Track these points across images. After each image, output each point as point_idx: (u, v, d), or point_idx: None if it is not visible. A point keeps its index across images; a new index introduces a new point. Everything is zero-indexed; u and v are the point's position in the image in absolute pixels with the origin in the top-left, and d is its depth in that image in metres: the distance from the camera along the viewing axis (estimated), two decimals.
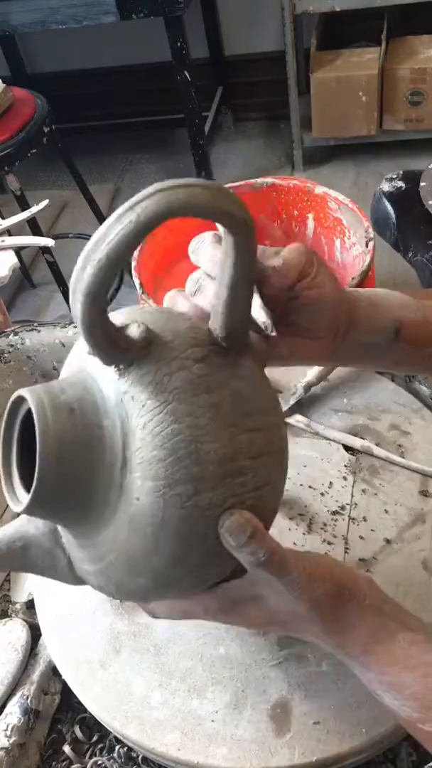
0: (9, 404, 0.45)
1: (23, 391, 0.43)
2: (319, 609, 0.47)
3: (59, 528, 0.50)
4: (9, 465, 0.46)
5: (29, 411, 0.43)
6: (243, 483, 0.43)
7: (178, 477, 0.41)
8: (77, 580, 0.51)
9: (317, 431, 0.77)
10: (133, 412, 0.42)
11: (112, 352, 0.42)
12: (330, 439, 0.76)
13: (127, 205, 0.38)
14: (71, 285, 0.39)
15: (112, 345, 0.41)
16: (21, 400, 0.44)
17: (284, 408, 0.78)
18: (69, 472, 0.42)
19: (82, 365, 0.46)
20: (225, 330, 0.44)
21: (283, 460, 0.48)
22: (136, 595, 0.49)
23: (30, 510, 0.43)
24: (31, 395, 0.42)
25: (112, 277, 0.39)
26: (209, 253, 0.49)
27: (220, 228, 0.41)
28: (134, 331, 0.42)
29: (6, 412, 0.45)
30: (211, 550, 0.44)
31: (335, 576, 0.48)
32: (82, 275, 0.39)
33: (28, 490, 0.43)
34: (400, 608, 0.50)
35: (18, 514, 0.46)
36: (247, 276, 0.43)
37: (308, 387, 0.81)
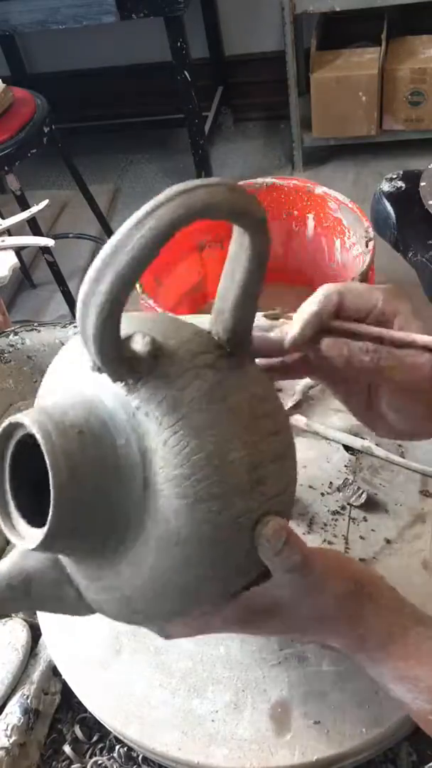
0: None
1: (20, 417, 0.40)
2: (341, 605, 0.47)
3: (61, 558, 0.47)
4: (4, 500, 0.42)
5: (20, 441, 0.40)
6: (269, 488, 0.42)
7: (208, 493, 0.39)
8: (88, 610, 0.48)
9: (317, 431, 0.77)
10: (150, 428, 0.40)
11: (123, 366, 0.40)
12: (330, 439, 0.76)
13: (145, 209, 0.35)
14: (81, 297, 0.37)
15: (121, 361, 0.39)
16: (13, 428, 0.40)
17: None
18: (86, 498, 0.40)
19: (80, 381, 0.43)
20: (230, 332, 0.43)
21: (295, 461, 0.47)
22: (160, 618, 0.47)
23: (46, 544, 0.39)
24: (31, 421, 0.39)
25: (131, 289, 0.36)
26: None
27: (234, 227, 0.40)
28: (141, 345, 0.40)
29: None
30: (243, 559, 0.43)
31: (353, 571, 0.49)
32: (96, 288, 0.36)
33: (32, 524, 0.40)
34: (412, 605, 0.50)
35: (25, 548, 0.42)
36: (259, 276, 0.41)
37: (307, 388, 0.81)
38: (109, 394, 0.41)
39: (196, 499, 0.39)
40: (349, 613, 0.48)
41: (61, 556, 0.47)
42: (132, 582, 0.42)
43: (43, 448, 0.38)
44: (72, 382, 0.44)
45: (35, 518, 0.40)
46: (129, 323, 0.41)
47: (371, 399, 0.50)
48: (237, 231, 0.40)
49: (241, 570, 0.44)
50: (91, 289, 0.36)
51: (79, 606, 0.48)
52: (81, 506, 0.39)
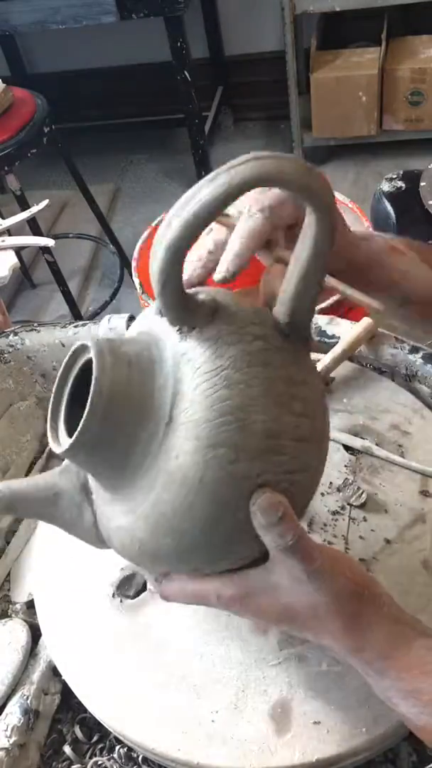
0: (69, 353, 0.46)
1: (86, 340, 0.44)
2: (340, 604, 0.46)
3: (90, 483, 0.51)
4: (57, 410, 0.47)
5: (88, 362, 0.44)
6: (281, 462, 0.43)
7: (221, 440, 0.41)
8: (100, 541, 0.51)
9: None
10: (187, 373, 0.43)
11: (181, 311, 0.43)
12: (330, 439, 0.76)
13: (221, 168, 0.38)
14: (156, 240, 0.39)
15: (181, 305, 0.42)
16: (82, 349, 0.45)
17: None
18: (115, 421, 0.43)
19: (147, 324, 0.47)
20: (290, 316, 0.45)
21: (322, 451, 0.48)
22: (156, 557, 0.48)
23: (71, 452, 0.43)
24: (94, 344, 0.43)
25: (197, 235, 0.39)
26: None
27: (307, 208, 0.41)
28: (203, 298, 0.43)
29: (64, 362, 0.46)
30: (240, 523, 0.43)
31: (356, 574, 0.48)
32: (167, 230, 0.39)
33: (71, 435, 0.44)
34: (415, 618, 0.49)
35: (54, 461, 0.47)
36: (320, 263, 0.43)
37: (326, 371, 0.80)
38: (166, 339, 0.45)
39: (208, 443, 0.41)
40: (349, 614, 0.47)
41: (90, 481, 0.51)
42: (138, 510, 0.45)
43: (94, 366, 0.42)
44: (144, 321, 0.49)
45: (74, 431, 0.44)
46: (201, 290, 0.46)
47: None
48: (308, 213, 0.42)
49: (235, 538, 0.45)
50: (163, 231, 0.39)
51: (94, 534, 0.51)
52: (109, 425, 0.43)
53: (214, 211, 0.38)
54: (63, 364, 0.47)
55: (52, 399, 0.47)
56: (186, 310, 0.43)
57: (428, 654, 0.46)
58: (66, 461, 0.52)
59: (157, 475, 0.43)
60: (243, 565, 0.48)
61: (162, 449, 0.43)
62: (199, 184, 0.38)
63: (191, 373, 0.43)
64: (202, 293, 0.44)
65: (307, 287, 0.44)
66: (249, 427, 0.42)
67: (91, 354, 0.43)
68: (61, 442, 0.45)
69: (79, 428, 0.42)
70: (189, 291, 0.43)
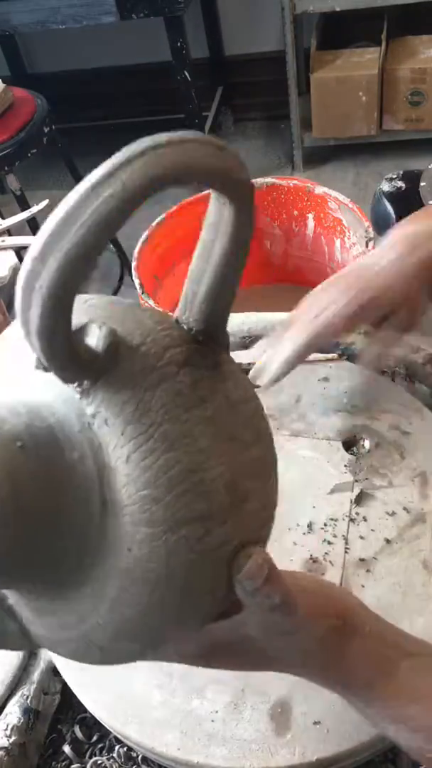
0: None
1: None
2: (325, 647, 0.43)
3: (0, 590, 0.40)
4: None
5: None
6: (249, 510, 0.36)
7: (182, 517, 0.33)
8: (32, 646, 0.42)
9: (317, 431, 0.77)
10: (109, 440, 0.33)
11: (73, 366, 0.32)
12: (330, 439, 0.76)
13: (106, 169, 0.29)
14: (22, 282, 0.29)
15: (73, 359, 0.32)
16: None
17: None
18: (31, 523, 0.33)
19: (22, 382, 0.36)
20: (204, 322, 0.36)
21: (276, 474, 0.40)
22: (122, 659, 0.41)
23: None
24: None
25: (86, 271, 0.29)
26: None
27: (213, 195, 0.33)
28: (96, 338, 0.32)
29: None
30: (218, 600, 0.37)
31: (336, 607, 0.45)
32: (40, 267, 0.28)
33: None
34: (396, 629, 0.47)
35: None
36: (242, 258, 0.34)
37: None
38: (58, 399, 0.34)
39: (167, 526, 0.33)
40: (331, 652, 0.44)
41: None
42: (89, 620, 0.36)
43: None
44: (12, 384, 0.36)
45: None
46: (78, 310, 0.32)
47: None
48: (216, 202, 0.33)
49: (212, 608, 0.38)
50: (34, 268, 0.28)
51: (21, 643, 0.41)
52: (23, 532, 0.33)
53: (106, 234, 0.28)
54: None
55: None
56: (80, 362, 0.32)
57: (415, 677, 0.44)
58: None
59: (108, 575, 0.34)
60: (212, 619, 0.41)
61: (105, 543, 0.34)
62: (78, 195, 0.28)
63: (115, 440, 0.33)
64: (93, 327, 0.32)
65: (224, 288, 0.35)
66: (210, 488, 0.34)
67: None
68: None
69: None
70: (75, 329, 0.32)
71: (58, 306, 0.29)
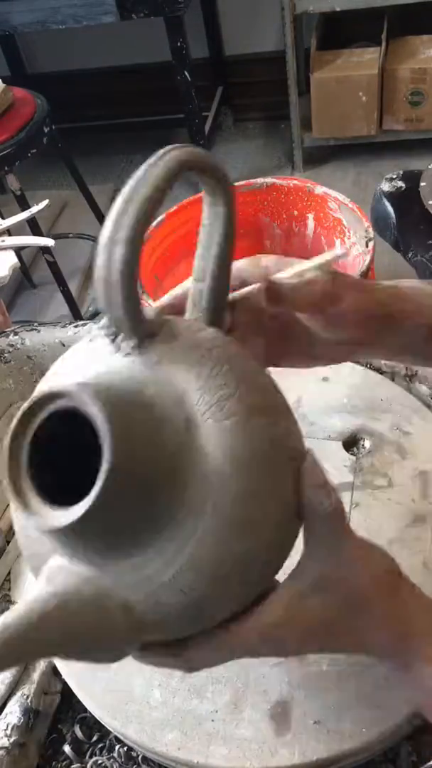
0: (20, 413, 0.36)
1: (54, 387, 0.36)
2: (379, 586, 0.42)
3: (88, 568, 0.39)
4: (17, 469, 0.36)
5: (46, 419, 0.36)
6: (294, 420, 0.43)
7: (253, 405, 0.39)
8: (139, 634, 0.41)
9: (317, 431, 0.77)
10: (176, 371, 0.39)
11: (140, 317, 0.40)
12: (330, 439, 0.76)
13: (152, 159, 0.40)
14: (102, 237, 0.38)
15: (141, 310, 0.40)
16: (43, 401, 0.36)
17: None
18: (138, 457, 0.36)
19: (99, 363, 0.41)
20: (213, 301, 0.44)
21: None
22: (200, 607, 0.40)
23: (87, 519, 0.34)
24: (72, 388, 0.36)
25: (150, 221, 0.39)
26: None
27: (205, 194, 0.43)
28: (149, 308, 0.41)
29: (23, 409, 0.37)
30: (288, 500, 0.41)
31: (389, 555, 0.45)
32: (121, 221, 0.38)
33: (54, 504, 0.36)
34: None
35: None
36: (233, 240, 0.43)
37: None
38: (124, 368, 0.40)
39: (242, 416, 0.39)
40: (388, 592, 0.43)
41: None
42: (189, 544, 0.37)
43: (94, 413, 0.34)
44: (81, 368, 0.42)
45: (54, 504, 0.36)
46: None
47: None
48: (213, 199, 0.43)
49: (283, 516, 0.41)
50: (117, 220, 0.38)
51: (128, 631, 0.39)
52: (132, 466, 0.35)
53: (160, 194, 0.38)
54: (10, 430, 0.36)
55: (7, 455, 0.36)
56: (143, 318, 0.40)
57: None
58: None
59: (200, 484, 0.37)
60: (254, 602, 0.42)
61: (193, 453, 0.38)
62: (140, 170, 0.39)
63: (184, 367, 0.39)
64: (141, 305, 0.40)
65: (222, 269, 0.44)
66: (266, 386, 0.42)
67: (83, 406, 0.35)
68: (42, 513, 0.35)
69: (100, 481, 0.34)
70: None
71: (137, 250, 0.38)
